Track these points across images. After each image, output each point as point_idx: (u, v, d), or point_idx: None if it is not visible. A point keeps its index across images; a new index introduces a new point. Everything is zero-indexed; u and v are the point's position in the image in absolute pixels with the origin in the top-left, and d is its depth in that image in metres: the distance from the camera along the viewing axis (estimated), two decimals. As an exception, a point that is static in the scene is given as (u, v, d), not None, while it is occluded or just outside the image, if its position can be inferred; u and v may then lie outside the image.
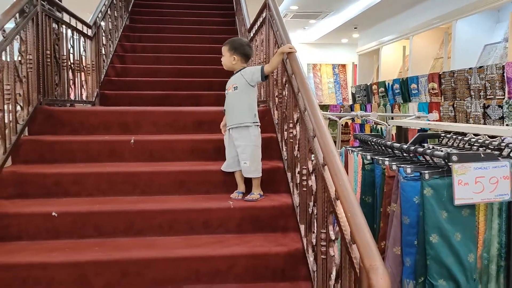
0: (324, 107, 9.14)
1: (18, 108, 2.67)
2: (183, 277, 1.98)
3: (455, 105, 4.46)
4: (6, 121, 2.47)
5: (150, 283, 1.95)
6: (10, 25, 2.55)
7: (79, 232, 2.15)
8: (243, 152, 2.38)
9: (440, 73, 4.90)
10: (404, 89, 5.68)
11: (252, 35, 3.79)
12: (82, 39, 3.72)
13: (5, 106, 2.46)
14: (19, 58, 2.69)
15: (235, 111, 2.43)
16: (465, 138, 2.20)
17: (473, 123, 4.08)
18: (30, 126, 2.80)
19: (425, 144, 2.46)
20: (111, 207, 2.25)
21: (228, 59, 2.47)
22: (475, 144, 2.10)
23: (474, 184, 1.57)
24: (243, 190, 2.43)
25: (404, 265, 1.70)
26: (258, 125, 2.47)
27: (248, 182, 2.45)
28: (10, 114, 2.53)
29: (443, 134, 2.51)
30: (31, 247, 2.06)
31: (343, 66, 11.23)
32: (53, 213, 2.14)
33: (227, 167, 2.47)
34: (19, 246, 2.06)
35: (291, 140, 2.35)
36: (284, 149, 2.60)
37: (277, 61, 2.45)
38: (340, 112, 7.62)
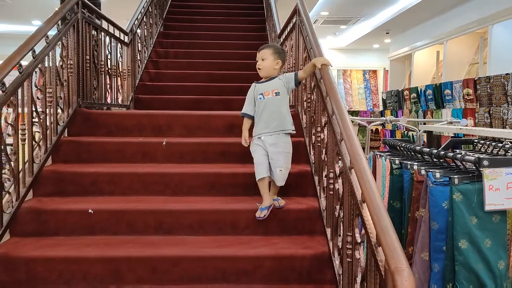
0: (354, 113, 9.03)
1: (59, 110, 2.83)
2: (210, 276, 2.02)
3: (491, 112, 4.32)
4: (47, 122, 2.62)
5: (178, 280, 2.01)
6: (52, 32, 2.70)
7: (112, 229, 2.25)
8: (279, 159, 2.29)
9: (475, 78, 4.77)
10: (437, 95, 5.55)
11: (282, 40, 3.83)
12: (119, 45, 3.88)
13: (47, 109, 2.61)
14: (61, 63, 2.83)
15: (278, 117, 2.33)
16: (499, 144, 2.14)
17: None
18: (70, 127, 2.95)
19: (457, 150, 2.41)
20: (143, 206, 2.34)
21: (271, 62, 2.36)
22: (509, 150, 2.04)
23: (505, 189, 1.54)
24: (270, 203, 2.27)
25: (432, 271, 1.68)
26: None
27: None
28: (52, 116, 2.68)
29: (476, 140, 2.45)
30: (67, 242, 2.16)
31: (374, 71, 11.08)
32: (90, 210, 2.25)
33: (265, 172, 2.28)
34: (56, 241, 2.17)
35: (319, 144, 2.37)
36: (312, 153, 2.61)
37: (310, 70, 2.39)
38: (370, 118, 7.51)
